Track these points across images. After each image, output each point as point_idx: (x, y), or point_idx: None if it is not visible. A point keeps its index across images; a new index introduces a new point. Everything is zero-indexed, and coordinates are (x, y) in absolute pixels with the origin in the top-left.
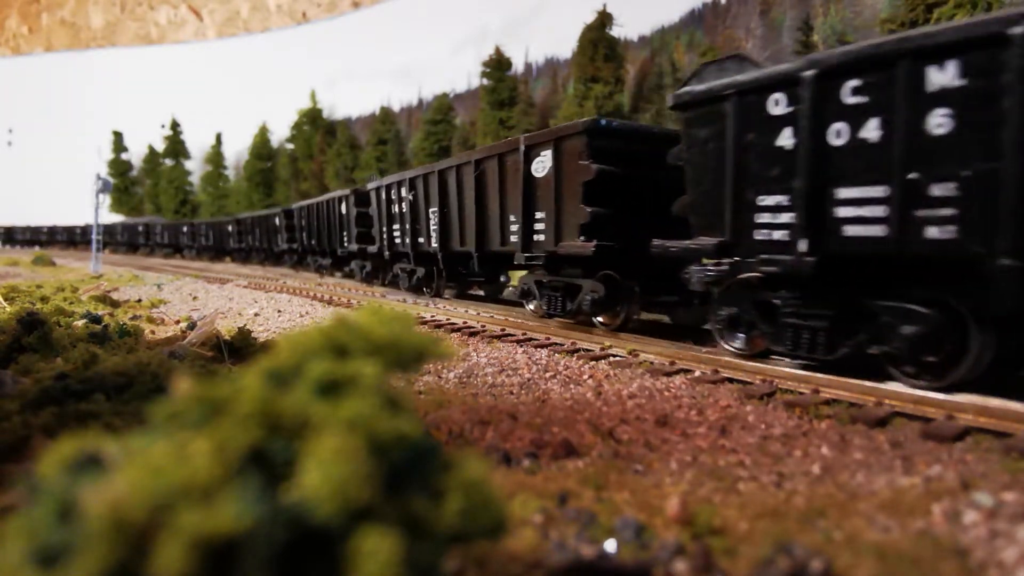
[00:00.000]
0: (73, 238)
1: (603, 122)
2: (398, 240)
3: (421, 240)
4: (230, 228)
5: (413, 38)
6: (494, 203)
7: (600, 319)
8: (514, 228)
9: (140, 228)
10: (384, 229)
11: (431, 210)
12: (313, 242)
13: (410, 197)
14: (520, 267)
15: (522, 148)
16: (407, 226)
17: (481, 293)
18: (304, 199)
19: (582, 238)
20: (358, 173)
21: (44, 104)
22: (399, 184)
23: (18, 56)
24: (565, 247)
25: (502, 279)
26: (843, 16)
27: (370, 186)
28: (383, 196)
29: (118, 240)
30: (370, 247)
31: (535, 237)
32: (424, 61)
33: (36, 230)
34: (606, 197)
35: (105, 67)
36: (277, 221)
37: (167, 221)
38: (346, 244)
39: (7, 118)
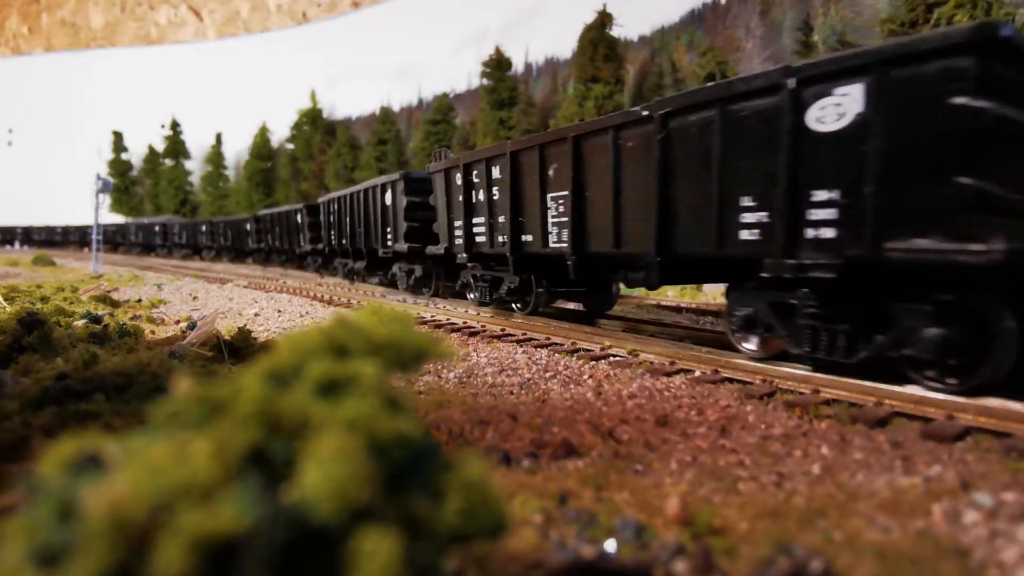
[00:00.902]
0: (84, 238)
1: (1006, 31)
2: (481, 238)
3: (527, 238)
4: (248, 227)
5: (413, 38)
6: (700, 179)
7: (938, 381)
8: (749, 219)
9: (157, 228)
10: (459, 223)
11: (552, 196)
12: (344, 242)
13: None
14: (773, 282)
15: (790, 85)
16: (501, 219)
17: (577, 307)
18: (304, 199)
19: (951, 235)
20: (358, 173)
21: (44, 104)
22: (488, 162)
23: (18, 56)
24: (902, 248)
25: (613, 289)
26: (843, 16)
27: (433, 168)
28: (456, 180)
29: (132, 241)
30: (430, 247)
31: (808, 233)
32: (424, 61)
33: (51, 230)
34: (1001, 164)
35: (105, 67)
36: (299, 219)
37: (184, 220)
38: (390, 243)
39: (7, 118)
